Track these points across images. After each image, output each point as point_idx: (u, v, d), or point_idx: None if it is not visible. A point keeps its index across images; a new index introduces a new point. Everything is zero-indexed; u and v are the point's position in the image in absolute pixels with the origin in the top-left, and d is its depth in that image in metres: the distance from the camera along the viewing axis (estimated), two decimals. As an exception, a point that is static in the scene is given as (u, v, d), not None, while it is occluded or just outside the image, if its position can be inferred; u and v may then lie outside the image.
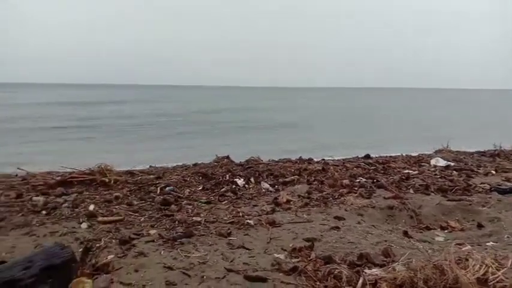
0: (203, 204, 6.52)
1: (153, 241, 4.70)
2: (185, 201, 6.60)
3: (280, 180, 8.14)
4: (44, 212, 5.86)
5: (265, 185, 7.78)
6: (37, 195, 6.68)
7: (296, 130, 27.91)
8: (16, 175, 8.53)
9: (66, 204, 6.11)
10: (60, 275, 3.44)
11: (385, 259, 4.26)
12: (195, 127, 29.25)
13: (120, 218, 5.53)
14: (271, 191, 7.51)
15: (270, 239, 4.90)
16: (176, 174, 8.43)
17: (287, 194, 7.00)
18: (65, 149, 18.48)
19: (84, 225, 5.24)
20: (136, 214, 5.86)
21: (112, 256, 4.12)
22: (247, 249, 4.59)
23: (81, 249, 4.21)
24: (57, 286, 3.38)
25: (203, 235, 4.96)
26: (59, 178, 7.41)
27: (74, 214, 5.74)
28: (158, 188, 7.22)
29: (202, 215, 5.86)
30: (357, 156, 11.65)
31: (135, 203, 6.47)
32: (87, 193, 6.84)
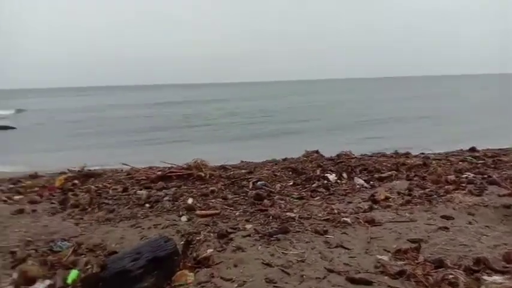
0: (295, 200, 6.42)
1: (249, 236, 4.70)
2: (277, 196, 6.55)
3: (376, 175, 7.71)
4: (147, 205, 6.23)
5: (359, 181, 7.43)
6: (141, 189, 7.16)
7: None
8: (121, 170, 9.27)
9: (166, 198, 6.43)
10: (164, 267, 3.58)
11: (507, 265, 3.75)
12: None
13: (217, 211, 5.65)
14: (366, 187, 7.15)
15: (371, 238, 4.61)
16: (266, 169, 8.44)
17: (385, 191, 6.58)
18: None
19: (184, 218, 5.44)
20: (232, 208, 5.94)
21: (211, 250, 4.19)
22: (346, 248, 4.37)
23: (182, 242, 4.36)
24: (162, 278, 3.52)
25: (298, 232, 4.84)
26: (159, 173, 7.85)
27: (174, 207, 6.00)
28: (250, 183, 7.28)
29: (295, 210, 5.75)
30: (461, 149, 10.61)
31: (230, 197, 6.58)
32: (185, 187, 7.14)
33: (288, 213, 5.53)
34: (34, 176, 9.37)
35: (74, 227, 5.37)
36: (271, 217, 5.38)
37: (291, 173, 8.08)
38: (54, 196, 7.22)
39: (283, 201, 6.23)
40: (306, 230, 4.92)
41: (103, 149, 21.29)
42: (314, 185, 7.19)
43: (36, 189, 7.87)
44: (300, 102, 54.33)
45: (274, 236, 4.61)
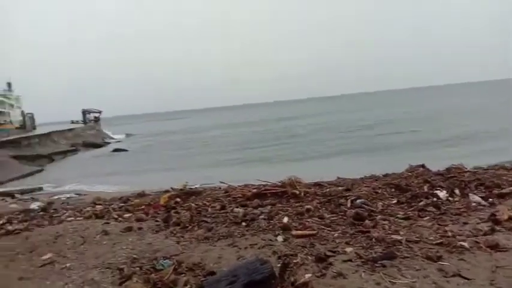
0: (401, 220, 5.85)
1: (350, 261, 4.34)
2: (379, 216, 6.05)
3: (495, 191, 6.75)
4: (243, 223, 6.20)
5: (475, 198, 6.56)
6: (237, 207, 7.19)
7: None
8: (219, 188, 9.49)
9: (262, 216, 6.34)
10: (261, 291, 3.42)
11: None
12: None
13: (314, 232, 5.38)
14: (483, 205, 6.27)
15: (496, 267, 3.94)
16: (366, 186, 7.93)
17: (508, 209, 5.69)
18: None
19: (280, 238, 5.27)
20: (329, 229, 5.62)
21: (310, 275, 3.93)
22: (465, 278, 3.78)
23: (279, 265, 4.17)
24: (259, 303, 3.35)
25: (407, 257, 4.34)
26: (254, 190, 7.84)
27: (270, 226, 5.87)
28: (348, 201, 6.86)
29: (401, 232, 5.22)
30: None
31: (327, 216, 6.26)
32: (280, 205, 7.00)
33: (393, 236, 5.03)
34: (142, 195, 10.07)
35: (175, 245, 5.52)
36: (374, 240, 4.94)
37: (393, 190, 7.48)
38: (158, 214, 7.60)
39: (386, 222, 5.72)
40: (416, 255, 4.40)
41: (203, 168, 22.37)
42: (422, 203, 6.51)
43: (143, 207, 8.40)
44: (396, 113, 51.58)
45: (379, 262, 4.18)
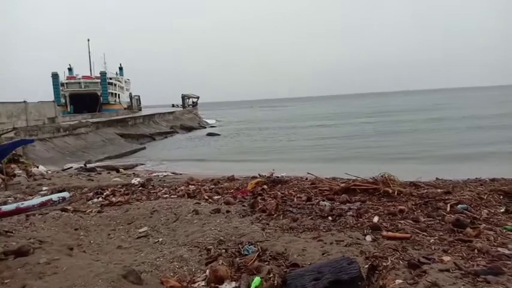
0: (509, 232, 5.17)
1: (448, 271, 3.93)
2: (484, 225, 5.42)
3: None
4: (329, 217, 6.01)
5: None
6: (323, 200, 7.01)
7: None
8: (306, 179, 9.37)
9: (350, 213, 6.09)
10: (346, 292, 3.25)
11: None
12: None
13: (407, 235, 4.99)
14: None
15: None
16: (469, 190, 7.19)
17: None
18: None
19: (368, 238, 5.00)
20: (424, 233, 5.17)
21: (400, 281, 3.64)
22: None
23: (367, 266, 3.95)
24: (343, 303, 3.20)
25: (517, 275, 3.81)
26: (343, 185, 7.58)
27: (358, 224, 5.60)
28: (448, 205, 6.27)
29: (510, 246, 4.61)
30: None
31: (422, 219, 5.78)
32: (370, 203, 6.65)
33: (499, 249, 4.47)
34: (231, 179, 10.35)
35: (260, 231, 5.55)
36: (476, 251, 4.43)
37: (502, 197, 6.66)
38: (245, 199, 7.74)
39: (492, 232, 5.10)
40: (529, 274, 3.84)
41: (289, 157, 22.39)
42: (536, 216, 5.71)
43: (232, 191, 8.63)
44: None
45: (482, 276, 3.72)
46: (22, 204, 4.38)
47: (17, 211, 4.40)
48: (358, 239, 5.01)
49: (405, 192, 7.03)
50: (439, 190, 7.23)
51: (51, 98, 45.78)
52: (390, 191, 6.94)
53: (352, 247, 4.71)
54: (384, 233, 5.15)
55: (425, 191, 7.20)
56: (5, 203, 7.95)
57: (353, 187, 7.36)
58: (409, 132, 32.67)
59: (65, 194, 4.69)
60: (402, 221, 5.67)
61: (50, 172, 15.44)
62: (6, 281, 3.74)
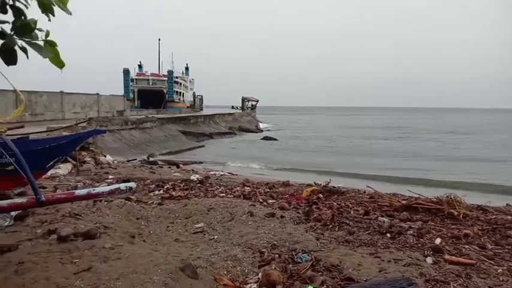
0: None
1: (517, 306, 3.66)
2: (562, 261, 4.96)
3: None
4: (388, 234, 5.80)
5: None
6: (382, 216, 6.78)
7: None
8: (364, 192, 9.12)
9: (410, 232, 5.83)
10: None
11: None
12: None
13: (472, 261, 4.69)
14: None
15: None
16: (546, 221, 6.61)
17: None
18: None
19: (429, 260, 4.76)
20: (492, 262, 4.83)
21: (464, 310, 3.44)
22: None
23: (426, 289, 3.78)
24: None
25: None
26: (404, 202, 7.28)
27: (419, 244, 5.35)
28: (520, 234, 5.81)
29: None
30: None
31: (489, 246, 5.40)
32: (432, 223, 6.34)
33: None
34: (286, 184, 10.34)
35: (314, 241, 5.49)
36: (551, 288, 4.07)
37: None
38: (300, 206, 7.70)
39: None
40: None
41: (345, 166, 21.89)
42: None
43: (286, 196, 8.62)
44: None
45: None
46: (93, 190, 4.68)
47: (88, 196, 4.71)
48: (418, 259, 4.78)
49: (471, 215, 6.62)
50: (509, 217, 6.72)
51: (121, 92, 48.61)
52: (455, 213, 6.56)
53: (411, 267, 4.51)
54: (447, 256, 4.88)
55: (494, 216, 6.72)
56: (75, 188, 8.57)
57: (415, 205, 7.05)
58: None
59: (132, 185, 4.93)
60: (467, 246, 5.34)
61: (115, 162, 16.35)
62: (75, 260, 4.01)
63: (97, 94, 31.52)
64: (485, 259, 4.90)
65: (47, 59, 2.37)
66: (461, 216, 6.51)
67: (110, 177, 11.35)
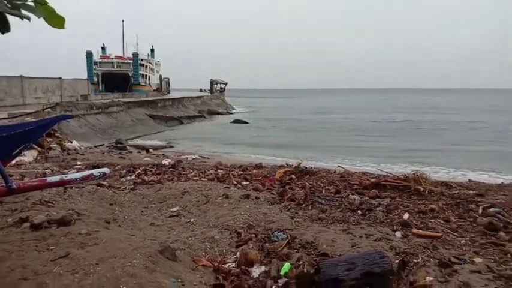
0: (545, 239, 5.07)
1: (479, 272, 3.91)
2: (517, 230, 5.33)
3: None
4: (359, 211, 6.03)
5: None
6: (353, 194, 7.02)
7: None
8: (334, 171, 9.37)
9: (380, 208, 6.09)
10: (378, 284, 3.30)
11: None
12: None
13: (438, 234, 4.97)
14: None
15: None
16: (503, 194, 7.06)
17: None
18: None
19: (398, 234, 5.00)
20: (455, 234, 5.14)
21: (431, 278, 3.66)
22: None
23: (397, 261, 3.98)
24: (374, 295, 3.25)
25: (552, 283, 3.76)
26: (373, 180, 7.55)
27: (388, 220, 5.61)
28: (480, 208, 6.18)
29: (546, 253, 4.53)
30: None
31: (453, 219, 5.73)
32: (400, 199, 6.63)
33: (534, 256, 4.40)
34: (259, 166, 10.46)
35: (289, 219, 5.64)
36: (510, 255, 4.38)
37: (538, 203, 6.50)
38: (274, 187, 7.83)
39: (526, 238, 5.02)
40: None
41: (319, 148, 22.31)
42: None
43: (260, 178, 8.74)
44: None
45: (516, 281, 3.70)
46: (66, 176, 4.59)
47: (61, 183, 4.62)
48: (388, 234, 5.01)
49: (436, 191, 6.96)
50: (471, 192, 7.12)
51: (84, 76, 46.98)
52: (421, 189, 6.88)
53: (381, 242, 4.73)
54: (414, 230, 5.15)
55: (457, 191, 7.10)
56: (44, 175, 8.35)
57: (383, 183, 7.34)
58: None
59: (106, 170, 4.87)
60: (433, 220, 5.65)
61: (82, 148, 15.97)
62: (51, 247, 3.95)
63: (59, 78, 30.31)
64: (449, 231, 5.20)
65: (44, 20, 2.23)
66: (427, 192, 6.83)
67: (78, 163, 11.10)
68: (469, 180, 8.63)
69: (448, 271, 3.90)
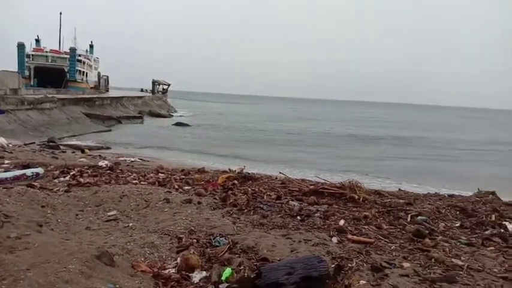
0: (463, 246, 5.56)
1: (407, 276, 4.21)
2: (440, 237, 5.80)
3: None
4: (298, 217, 6.22)
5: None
6: (293, 200, 7.22)
7: None
8: (276, 178, 9.57)
9: (317, 214, 6.32)
10: (315, 288, 3.45)
11: None
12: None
13: (371, 240, 5.28)
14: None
15: None
16: (428, 203, 7.64)
17: None
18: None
19: (334, 240, 5.24)
20: (386, 240, 5.48)
21: (364, 282, 3.88)
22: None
23: (333, 266, 4.17)
24: (312, 298, 3.38)
25: (468, 285, 4.14)
26: (312, 187, 7.82)
27: (325, 226, 5.85)
28: (409, 216, 6.64)
29: (463, 258, 4.97)
30: None
31: (385, 226, 6.10)
32: (337, 206, 6.93)
33: (453, 260, 4.81)
34: (202, 171, 10.40)
35: (231, 225, 5.68)
36: (433, 260, 4.76)
37: (458, 212, 7.12)
38: (216, 192, 7.84)
39: (447, 244, 5.47)
40: (478, 284, 4.18)
41: (262, 154, 22.59)
42: (487, 232, 6.15)
43: (202, 183, 8.70)
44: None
45: (438, 283, 4.03)
46: (-6, 176, 4.28)
47: (-12, 183, 4.30)
48: (325, 239, 5.23)
49: (370, 199, 7.36)
50: (401, 201, 7.62)
51: (15, 68, 43.76)
52: (356, 197, 7.25)
53: (319, 247, 4.92)
54: (349, 236, 5.41)
55: (389, 200, 7.56)
56: (-35, 174, 7.66)
57: (321, 190, 7.63)
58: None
59: (39, 170, 4.60)
60: (366, 227, 5.97)
61: (11, 145, 14.87)
62: (-25, 252, 3.67)
63: (-14, 69, 28.01)
64: (381, 238, 5.54)
65: None
66: (361, 200, 7.21)
67: (6, 162, 10.33)
68: (399, 189, 9.24)
69: (379, 275, 4.15)
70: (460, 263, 4.72)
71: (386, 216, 6.67)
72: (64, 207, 6.35)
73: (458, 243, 5.60)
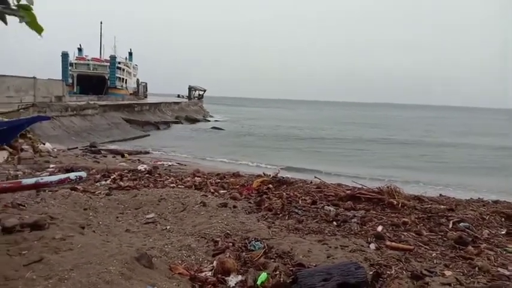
0: (509, 254, 5.29)
1: (449, 285, 4.05)
2: (484, 245, 5.54)
3: None
4: (334, 222, 6.13)
5: None
6: (328, 205, 7.13)
7: None
8: (311, 182, 9.48)
9: (355, 220, 6.20)
10: (353, 295, 3.38)
11: None
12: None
13: (410, 247, 5.12)
14: None
15: None
16: (471, 209, 7.31)
17: None
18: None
19: (372, 246, 5.12)
20: (427, 247, 5.30)
21: (404, 290, 3.77)
22: None
23: (371, 273, 4.08)
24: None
25: (516, 296, 3.94)
26: (348, 192, 7.69)
27: (363, 232, 5.73)
28: (450, 222, 6.39)
29: (510, 268, 4.72)
30: None
31: (425, 233, 5.90)
32: (374, 212, 6.77)
33: (499, 269, 4.59)
34: (237, 175, 10.47)
35: (266, 229, 5.68)
36: (477, 269, 4.55)
37: (503, 219, 6.77)
38: (251, 196, 7.87)
39: (492, 253, 5.21)
40: (526, 296, 3.97)
41: (297, 158, 22.45)
42: (536, 241, 5.82)
43: (237, 187, 8.76)
44: None
45: (484, 294, 3.86)
46: (41, 179, 4.49)
47: (36, 186, 4.51)
48: (362, 246, 5.12)
49: (409, 205, 7.14)
50: (442, 206, 7.34)
51: (59, 77, 45.89)
52: (395, 202, 7.05)
53: (356, 253, 4.83)
54: (388, 242, 5.27)
55: (429, 206, 7.31)
56: (16, 177, 8.11)
57: (358, 195, 7.48)
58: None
59: (82, 174, 4.78)
60: (405, 233, 5.80)
61: (55, 150, 15.58)
62: (23, 252, 3.86)
63: (34, 78, 29.50)
64: (421, 244, 5.36)
65: (25, 25, 2.29)
66: (400, 205, 7.00)
67: (51, 166, 10.83)
68: (440, 195, 8.91)
69: (419, 283, 4.02)
70: (506, 272, 4.50)
71: (426, 222, 6.44)
72: (105, 209, 6.57)
73: (504, 252, 5.33)
